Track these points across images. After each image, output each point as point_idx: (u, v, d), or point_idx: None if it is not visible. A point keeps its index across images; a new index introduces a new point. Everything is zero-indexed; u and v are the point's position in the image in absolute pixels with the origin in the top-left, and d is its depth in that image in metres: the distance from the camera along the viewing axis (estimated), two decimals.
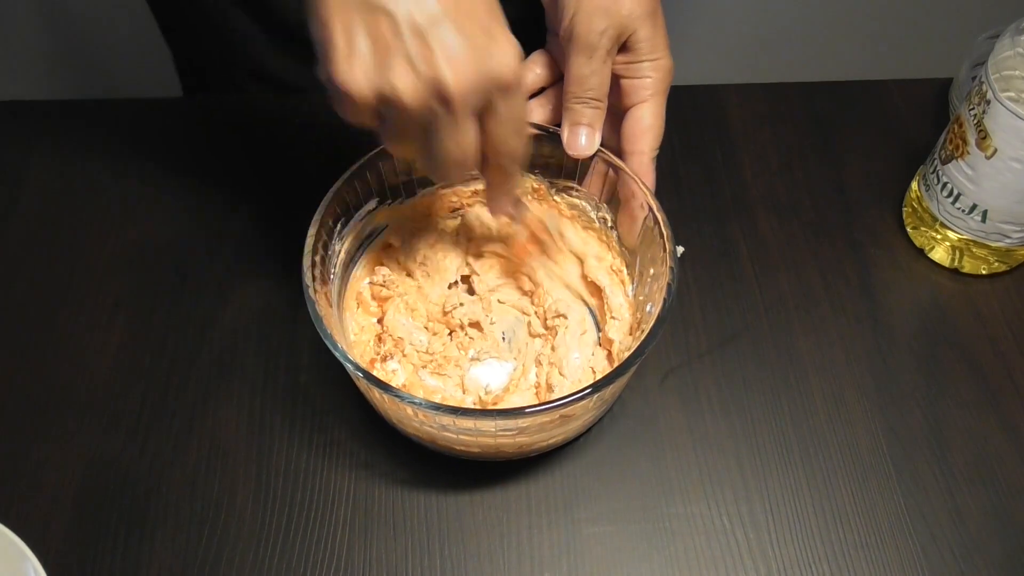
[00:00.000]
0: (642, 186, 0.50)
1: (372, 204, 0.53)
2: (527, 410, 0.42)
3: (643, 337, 0.45)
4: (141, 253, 0.60)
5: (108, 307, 0.57)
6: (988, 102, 0.52)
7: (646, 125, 0.51)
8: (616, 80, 0.51)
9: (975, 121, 0.53)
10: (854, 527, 0.49)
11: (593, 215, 0.56)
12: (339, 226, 0.51)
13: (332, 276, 0.51)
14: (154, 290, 0.58)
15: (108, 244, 0.60)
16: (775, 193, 0.64)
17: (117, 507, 0.49)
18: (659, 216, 0.49)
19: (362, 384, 0.46)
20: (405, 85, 0.38)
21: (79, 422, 0.52)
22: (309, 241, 0.47)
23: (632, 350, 0.45)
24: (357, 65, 0.38)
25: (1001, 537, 0.49)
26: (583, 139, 0.51)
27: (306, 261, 0.47)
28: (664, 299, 0.46)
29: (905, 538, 0.49)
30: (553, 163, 0.54)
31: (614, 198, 0.53)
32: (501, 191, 0.48)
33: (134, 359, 0.55)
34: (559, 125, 0.53)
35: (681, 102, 0.69)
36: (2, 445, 0.51)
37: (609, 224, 0.55)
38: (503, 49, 0.39)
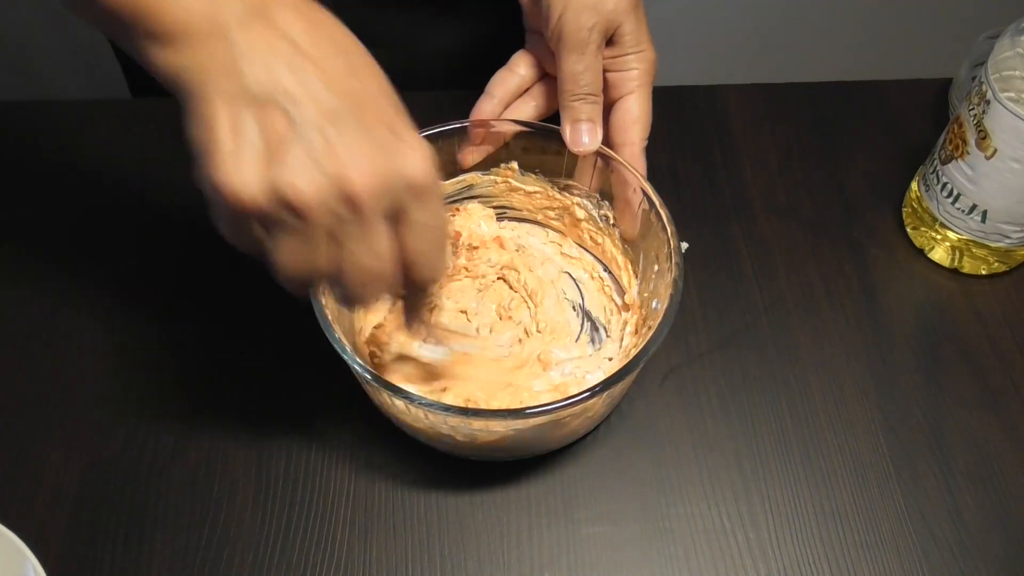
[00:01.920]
0: (635, 173, 0.51)
1: None
2: (535, 409, 0.42)
3: (650, 334, 0.45)
4: (141, 253, 0.60)
5: (108, 307, 0.57)
6: (988, 102, 0.52)
7: (635, 116, 0.52)
8: (603, 74, 0.51)
9: (975, 121, 0.53)
10: (854, 527, 0.49)
11: (594, 212, 0.56)
12: None
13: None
14: (154, 290, 0.58)
15: (108, 244, 0.60)
16: (775, 193, 0.64)
17: (117, 507, 0.49)
18: (661, 211, 0.49)
19: (371, 387, 0.46)
20: (305, 182, 0.33)
21: (79, 422, 0.52)
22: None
23: (640, 347, 0.45)
24: (246, 163, 0.33)
25: (1001, 537, 0.49)
26: (585, 135, 0.51)
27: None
28: (671, 295, 0.46)
29: (905, 538, 0.49)
30: (546, 160, 0.54)
31: (606, 189, 0.54)
32: (417, 311, 0.44)
33: (134, 359, 0.55)
34: (547, 120, 0.53)
35: (681, 102, 0.69)
36: (2, 445, 0.51)
37: (611, 222, 0.55)
38: (413, 150, 0.35)
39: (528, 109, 0.55)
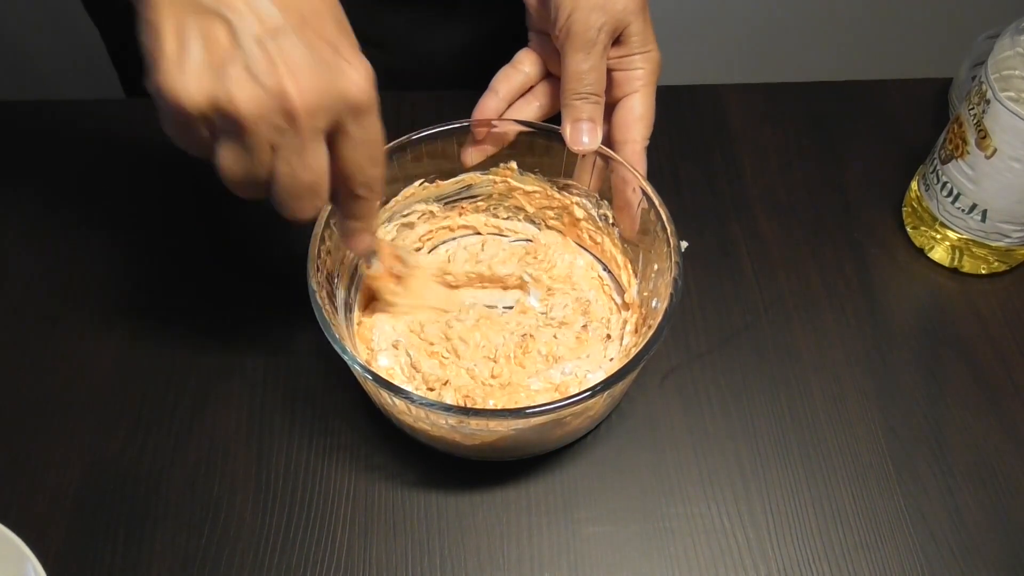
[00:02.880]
0: (634, 172, 0.51)
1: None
2: (535, 409, 0.42)
3: (651, 334, 0.45)
4: (141, 253, 0.60)
5: (108, 307, 0.57)
6: (988, 102, 0.52)
7: (638, 115, 0.52)
8: (608, 73, 0.51)
9: (975, 121, 0.53)
10: (854, 527, 0.49)
11: (594, 212, 0.56)
12: None
13: (337, 278, 0.51)
14: (154, 290, 0.58)
15: (108, 244, 0.60)
16: (775, 193, 0.64)
17: (117, 507, 0.49)
18: (661, 210, 0.49)
19: (371, 387, 0.46)
20: (243, 95, 0.34)
21: (79, 422, 0.52)
22: (313, 244, 0.47)
23: (640, 347, 0.45)
24: (189, 71, 0.34)
25: (1001, 537, 0.49)
26: (585, 135, 0.51)
27: (311, 266, 0.46)
28: (671, 294, 0.46)
29: (905, 538, 0.49)
30: (546, 160, 0.55)
31: (606, 188, 0.54)
32: (357, 225, 0.45)
33: (134, 359, 0.55)
34: (549, 120, 0.53)
35: (681, 102, 0.69)
36: (2, 445, 0.51)
37: (610, 221, 0.55)
38: (354, 68, 0.36)
39: (531, 108, 0.55)
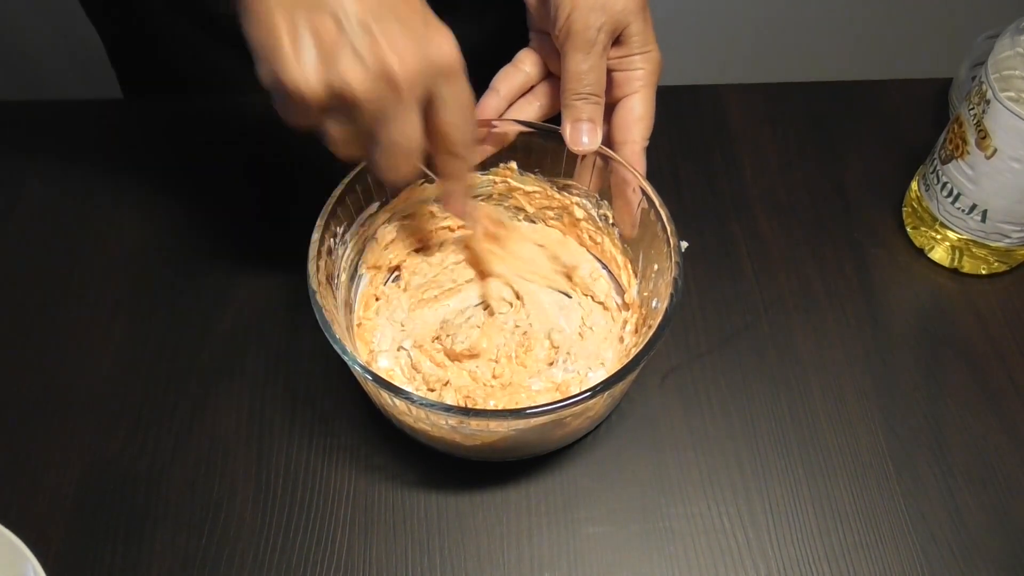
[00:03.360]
0: (634, 172, 0.51)
1: (374, 207, 0.53)
2: (535, 409, 0.42)
3: (651, 334, 0.45)
4: (141, 253, 0.60)
5: (108, 307, 0.57)
6: (988, 102, 0.52)
7: (637, 115, 0.52)
8: (608, 74, 0.51)
9: (975, 121, 0.53)
10: (854, 527, 0.49)
11: (594, 212, 0.56)
12: (342, 229, 0.51)
13: (337, 278, 0.51)
14: (154, 290, 0.58)
15: (108, 244, 0.60)
16: (775, 193, 0.64)
17: (117, 507, 0.49)
18: (661, 210, 0.49)
19: (371, 388, 0.46)
20: (355, 77, 0.38)
21: (79, 422, 0.52)
22: (313, 245, 0.47)
23: (640, 347, 0.45)
24: (306, 63, 0.38)
25: (1001, 537, 0.49)
26: (585, 135, 0.51)
27: (311, 267, 0.46)
28: (671, 294, 0.46)
29: (905, 538, 0.49)
30: (546, 160, 0.54)
31: (606, 188, 0.54)
32: (456, 184, 0.48)
33: (134, 359, 0.55)
34: (550, 121, 0.53)
35: (681, 102, 0.69)
36: (2, 445, 0.51)
37: (610, 221, 0.55)
38: (442, 37, 0.41)
39: (532, 109, 0.55)
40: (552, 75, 0.54)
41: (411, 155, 0.42)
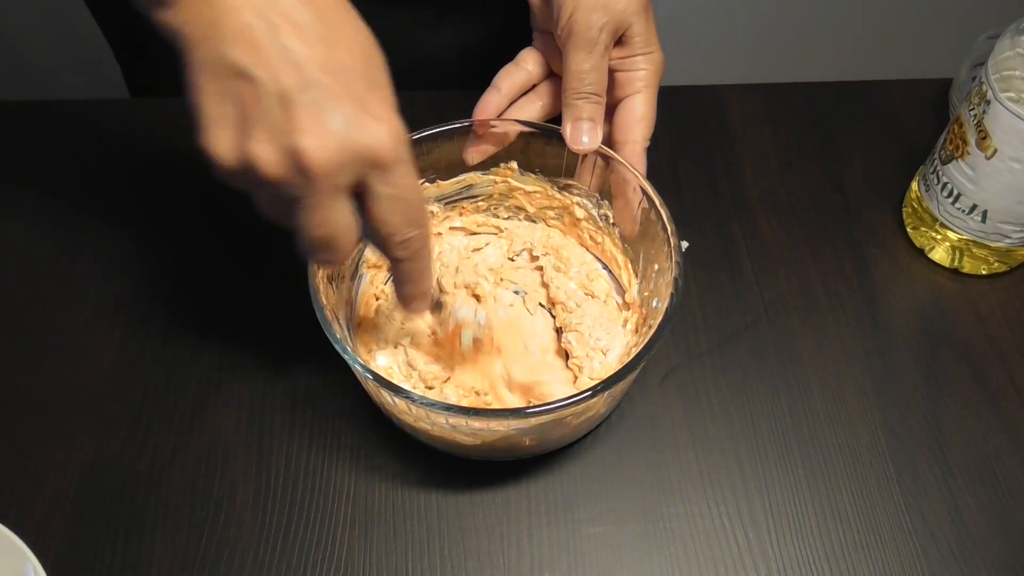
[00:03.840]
0: (634, 171, 0.51)
1: None
2: (535, 409, 0.42)
3: (651, 333, 0.45)
4: (141, 253, 0.60)
5: (108, 307, 0.57)
6: (988, 102, 0.52)
7: (639, 115, 0.52)
8: (610, 74, 0.51)
9: (975, 121, 0.53)
10: (854, 527, 0.49)
11: (594, 212, 0.56)
12: None
13: (338, 277, 0.51)
14: (154, 290, 0.58)
15: (108, 244, 0.60)
16: (775, 193, 0.64)
17: (117, 507, 0.49)
18: (661, 210, 0.49)
19: (371, 387, 0.46)
20: (264, 155, 0.36)
21: (79, 422, 0.52)
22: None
23: (640, 347, 0.45)
24: (220, 133, 0.36)
25: (1001, 537, 0.49)
26: (585, 135, 0.51)
27: (312, 265, 0.46)
28: (672, 294, 0.46)
29: (905, 538, 0.49)
30: (547, 160, 0.54)
31: (606, 188, 0.54)
32: (407, 286, 0.44)
33: (134, 359, 0.55)
34: (551, 121, 0.53)
35: (681, 102, 0.69)
36: (2, 445, 0.51)
37: (610, 221, 0.55)
38: (376, 123, 0.36)
39: (533, 108, 0.55)
40: (555, 75, 0.54)
41: (331, 247, 0.39)
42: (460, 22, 0.72)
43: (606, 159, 0.52)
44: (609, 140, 0.53)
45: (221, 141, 0.36)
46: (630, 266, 0.55)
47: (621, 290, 0.55)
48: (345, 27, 0.38)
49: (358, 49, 0.38)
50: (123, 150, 0.66)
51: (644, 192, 0.50)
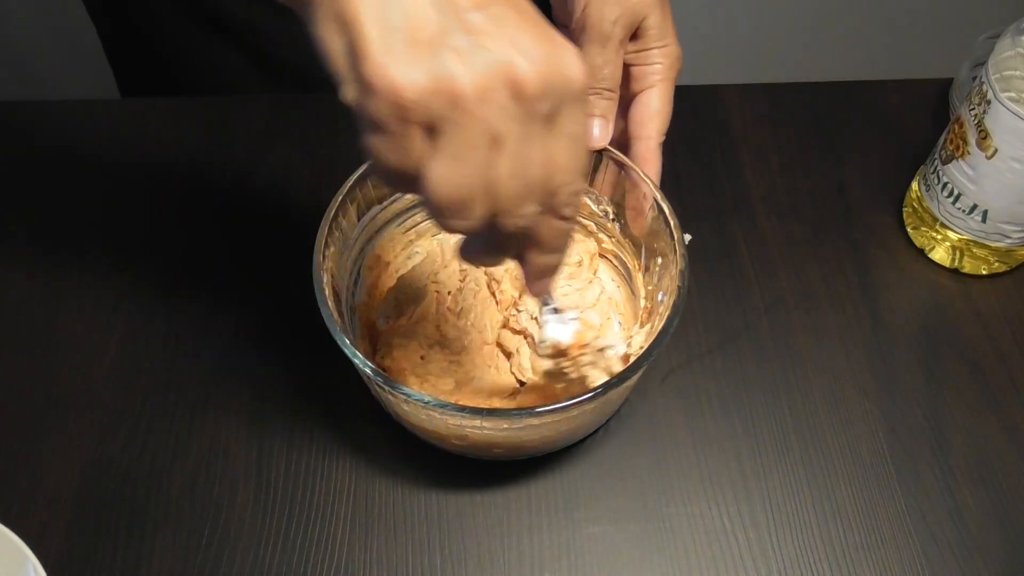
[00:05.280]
0: (647, 180, 0.50)
1: (376, 210, 0.53)
2: (537, 410, 0.42)
3: (661, 325, 0.45)
4: (141, 253, 0.60)
5: (108, 307, 0.57)
6: (988, 102, 0.52)
7: (654, 110, 0.51)
8: (625, 68, 0.51)
9: (975, 121, 0.53)
10: (854, 527, 0.49)
11: (595, 208, 0.56)
12: (348, 222, 0.51)
13: (342, 279, 0.51)
14: (154, 290, 0.58)
15: (108, 244, 0.60)
16: (775, 193, 0.64)
17: (117, 507, 0.49)
18: (666, 209, 0.49)
19: (373, 385, 0.46)
20: (471, 69, 0.29)
21: (79, 422, 0.52)
22: (320, 236, 0.47)
23: (648, 344, 0.45)
24: (403, 54, 0.29)
25: (1001, 537, 0.49)
26: (596, 130, 0.51)
27: (317, 257, 0.46)
28: (678, 287, 0.46)
29: (905, 538, 0.49)
30: None
31: (619, 193, 0.53)
32: (549, 261, 0.37)
33: (134, 359, 0.55)
34: None
35: (681, 102, 0.69)
36: (2, 445, 0.51)
37: (611, 216, 0.55)
38: (570, 47, 0.31)
39: None
40: None
41: (537, 193, 0.32)
42: None
43: (621, 165, 0.52)
44: (624, 135, 0.52)
45: (405, 64, 0.28)
46: (638, 260, 0.54)
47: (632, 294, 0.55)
48: None
49: None
50: (123, 151, 0.66)
51: (656, 201, 0.50)
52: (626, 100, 0.52)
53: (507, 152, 0.30)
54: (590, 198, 0.55)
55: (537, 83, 0.29)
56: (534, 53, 0.29)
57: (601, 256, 0.57)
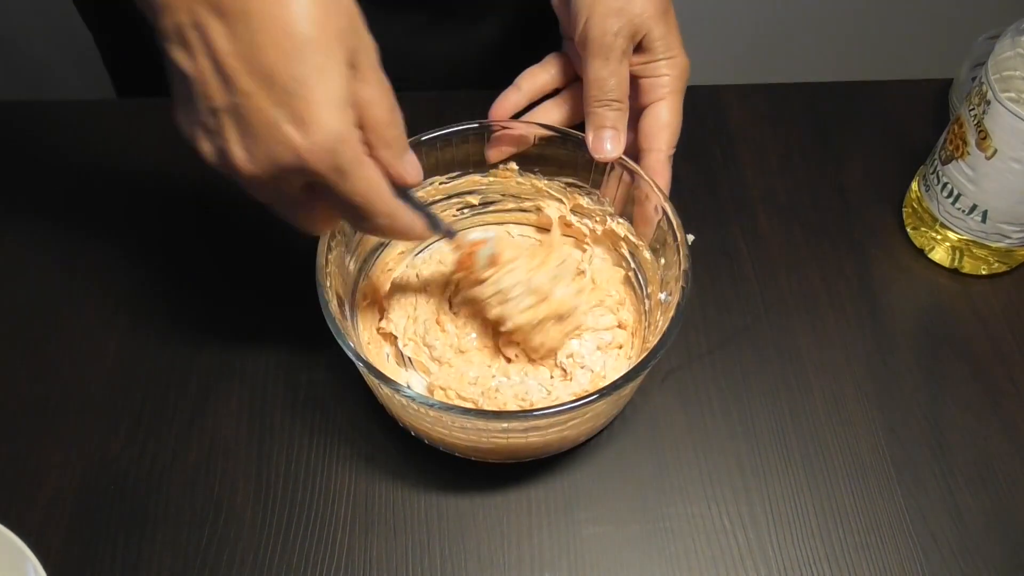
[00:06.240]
0: (657, 189, 0.50)
1: None
2: (538, 412, 0.42)
3: (666, 326, 0.45)
4: (141, 252, 0.60)
5: (108, 307, 0.57)
6: (988, 103, 0.52)
7: (663, 122, 0.51)
8: (634, 80, 0.51)
9: (975, 121, 0.53)
10: (854, 527, 0.49)
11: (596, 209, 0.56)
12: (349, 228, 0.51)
13: (345, 279, 0.51)
14: (154, 290, 0.58)
15: (108, 244, 0.60)
16: (775, 193, 0.64)
17: (117, 507, 0.49)
18: (673, 219, 0.49)
19: (374, 382, 0.46)
20: (204, 149, 0.39)
21: (79, 422, 0.52)
22: (323, 238, 0.47)
23: (653, 346, 0.45)
24: (179, 110, 0.39)
25: (1001, 537, 0.49)
26: (608, 143, 0.51)
27: (320, 258, 0.46)
28: (683, 287, 0.46)
29: (905, 538, 0.49)
30: (569, 167, 0.54)
31: (629, 202, 0.53)
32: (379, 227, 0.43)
33: (134, 359, 0.55)
34: (574, 127, 0.53)
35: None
36: (2, 445, 0.51)
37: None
38: (304, 126, 0.36)
39: (558, 113, 0.54)
40: (580, 80, 0.54)
41: (301, 223, 0.42)
42: (453, 30, 0.71)
43: (631, 174, 0.52)
44: (634, 147, 0.52)
45: (180, 116, 0.39)
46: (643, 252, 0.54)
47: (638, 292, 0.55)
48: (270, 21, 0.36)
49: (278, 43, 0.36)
50: (123, 151, 0.66)
51: (664, 212, 0.50)
52: (636, 112, 0.52)
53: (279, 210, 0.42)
54: (590, 198, 0.55)
55: (253, 175, 0.38)
56: (251, 151, 0.37)
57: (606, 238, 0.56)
